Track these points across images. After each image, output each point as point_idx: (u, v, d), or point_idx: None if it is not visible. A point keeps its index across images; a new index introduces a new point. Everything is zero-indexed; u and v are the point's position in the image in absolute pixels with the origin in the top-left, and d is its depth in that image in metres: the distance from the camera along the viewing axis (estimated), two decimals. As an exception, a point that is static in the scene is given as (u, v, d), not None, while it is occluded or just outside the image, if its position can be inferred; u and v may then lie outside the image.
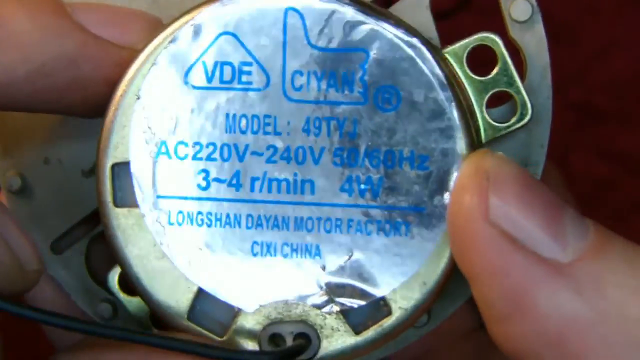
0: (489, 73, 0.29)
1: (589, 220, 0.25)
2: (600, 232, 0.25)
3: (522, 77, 0.30)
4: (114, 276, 0.30)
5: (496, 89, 0.29)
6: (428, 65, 0.27)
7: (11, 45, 0.27)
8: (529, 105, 0.29)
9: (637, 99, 0.46)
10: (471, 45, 0.29)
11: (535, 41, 0.30)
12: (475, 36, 0.29)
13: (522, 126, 0.29)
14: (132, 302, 0.31)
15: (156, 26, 0.29)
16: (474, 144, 0.27)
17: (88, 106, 0.29)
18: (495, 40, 0.29)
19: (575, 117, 0.31)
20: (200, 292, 0.28)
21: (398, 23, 0.27)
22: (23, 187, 0.32)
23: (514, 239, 0.25)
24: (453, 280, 0.28)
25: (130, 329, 0.29)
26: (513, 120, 0.29)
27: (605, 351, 0.24)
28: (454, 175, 0.27)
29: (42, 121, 0.32)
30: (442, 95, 0.27)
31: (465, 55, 0.28)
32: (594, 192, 0.26)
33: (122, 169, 0.28)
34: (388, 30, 0.27)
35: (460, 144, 0.27)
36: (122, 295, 0.30)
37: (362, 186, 0.27)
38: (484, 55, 0.29)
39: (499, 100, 0.30)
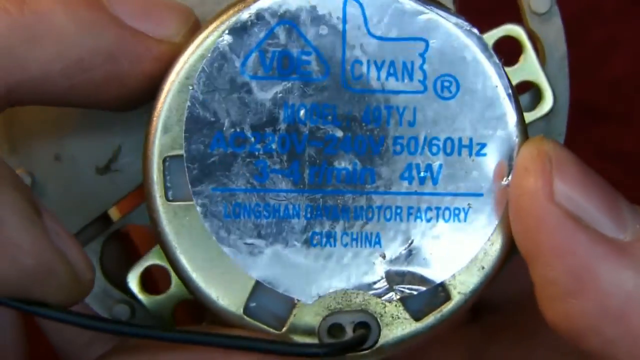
0: (511, 64, 0.30)
1: (638, 206, 0.27)
2: None
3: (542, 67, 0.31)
4: (133, 277, 0.29)
5: (521, 79, 0.30)
6: (486, 54, 0.27)
7: (47, 40, 0.26)
8: (551, 94, 0.30)
9: (637, 99, 0.48)
10: (498, 37, 0.30)
11: (554, 32, 0.31)
12: (501, 27, 0.30)
13: (545, 115, 0.30)
14: (153, 303, 0.30)
15: (189, 17, 0.28)
16: (526, 131, 0.28)
17: (125, 101, 0.28)
18: (519, 31, 0.30)
19: (575, 117, 0.32)
20: (258, 285, 0.27)
21: (455, 13, 0.27)
22: (32, 185, 0.30)
23: (578, 219, 0.26)
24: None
25: (187, 329, 0.28)
26: (537, 109, 0.30)
27: None
28: (511, 161, 0.27)
29: (53, 115, 0.31)
30: (498, 84, 0.27)
31: (491, 46, 0.29)
32: None
33: (173, 162, 0.27)
34: (446, 20, 0.27)
35: (515, 131, 0.27)
36: (142, 297, 0.30)
37: (422, 174, 0.27)
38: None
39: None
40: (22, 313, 0.30)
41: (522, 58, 0.30)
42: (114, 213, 0.33)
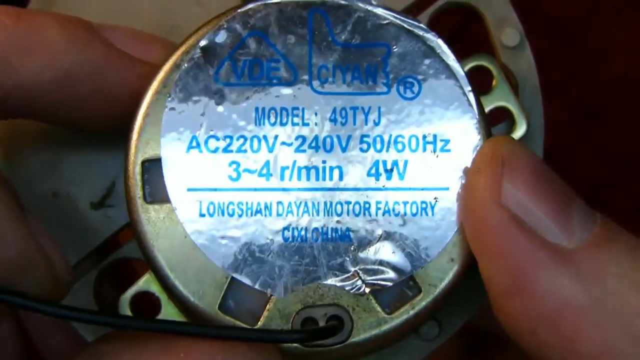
0: (484, 92, 0.31)
1: (598, 214, 0.27)
2: (608, 225, 0.27)
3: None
4: (125, 303, 0.30)
5: (494, 105, 0.31)
6: (445, 56, 0.29)
7: (39, 51, 0.28)
8: (524, 118, 0.31)
9: (637, 100, 0.48)
10: (469, 65, 0.31)
11: (525, 65, 0.33)
12: (471, 57, 0.31)
13: (520, 139, 0.31)
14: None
15: (172, 46, 0.30)
16: (489, 130, 0.29)
17: (109, 119, 0.30)
18: (491, 59, 0.31)
19: (575, 117, 0.32)
20: (233, 281, 0.28)
21: (415, 19, 0.29)
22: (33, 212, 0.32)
23: (522, 222, 0.26)
24: (462, 292, 0.29)
25: (164, 320, 0.29)
26: (512, 135, 0.31)
27: (599, 336, 0.25)
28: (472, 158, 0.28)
29: (50, 155, 0.32)
30: (459, 83, 0.28)
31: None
32: (594, 193, 0.27)
33: (152, 164, 0.29)
34: (407, 26, 0.29)
35: (477, 127, 0.28)
36: (129, 315, 0.30)
37: (389, 170, 0.28)
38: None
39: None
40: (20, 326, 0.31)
41: (494, 85, 0.31)
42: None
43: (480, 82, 0.31)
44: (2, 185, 0.27)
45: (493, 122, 0.32)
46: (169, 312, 0.30)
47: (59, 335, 0.34)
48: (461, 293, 0.29)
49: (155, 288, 0.30)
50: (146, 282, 0.30)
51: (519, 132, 0.31)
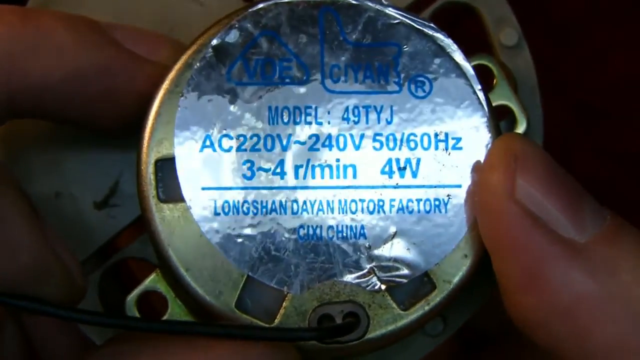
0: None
1: (607, 210, 0.27)
2: (617, 220, 0.27)
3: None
4: (131, 302, 0.30)
5: (495, 104, 0.32)
6: (455, 55, 0.29)
7: (49, 51, 0.28)
8: (524, 116, 0.32)
9: (637, 99, 0.49)
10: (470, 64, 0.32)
11: (523, 64, 0.34)
12: (473, 56, 0.32)
13: None
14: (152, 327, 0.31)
15: (181, 46, 0.30)
16: (499, 127, 0.29)
17: (117, 119, 0.30)
18: (491, 59, 0.32)
19: (575, 117, 0.32)
20: (249, 280, 0.28)
21: (425, 19, 0.29)
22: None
23: (536, 217, 0.26)
24: (466, 288, 0.29)
25: (184, 321, 0.29)
26: (514, 130, 0.32)
27: (612, 328, 0.26)
28: (484, 154, 0.29)
29: (53, 154, 0.32)
30: (470, 81, 0.29)
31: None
32: (594, 192, 0.28)
33: (165, 164, 0.29)
34: (417, 25, 0.29)
35: (487, 125, 0.29)
36: (150, 319, 0.30)
37: (402, 168, 0.29)
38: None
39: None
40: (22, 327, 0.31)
41: (494, 84, 0.32)
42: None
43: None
44: (18, 192, 0.27)
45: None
46: (176, 311, 0.30)
47: (60, 340, 0.33)
48: (465, 289, 0.30)
49: (162, 287, 0.30)
50: (153, 282, 0.30)
51: (519, 130, 0.32)
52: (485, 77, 0.32)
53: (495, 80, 0.32)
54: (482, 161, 0.29)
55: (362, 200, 0.28)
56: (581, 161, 0.28)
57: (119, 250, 0.33)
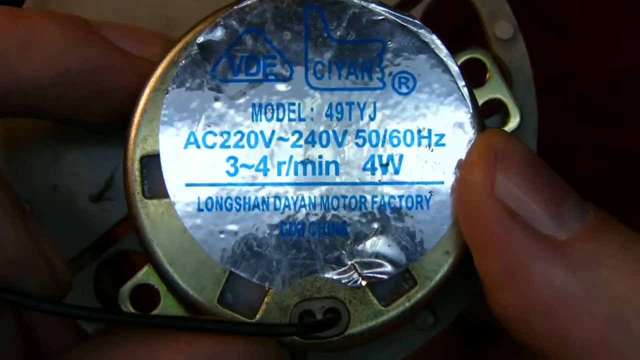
0: (478, 85, 0.32)
1: (591, 205, 0.27)
2: (601, 216, 0.27)
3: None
4: (124, 295, 0.31)
5: (488, 97, 0.31)
6: (439, 51, 0.29)
7: (39, 51, 0.29)
8: (517, 110, 0.31)
9: (637, 99, 0.48)
10: (463, 58, 0.31)
11: (518, 57, 0.33)
12: (466, 50, 0.31)
13: (514, 131, 0.32)
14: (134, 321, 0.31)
15: (170, 42, 0.30)
16: (484, 124, 0.29)
17: (108, 116, 0.30)
18: (485, 52, 0.32)
19: (575, 116, 0.32)
20: (231, 275, 0.29)
21: (409, 15, 0.29)
22: (31, 213, 0.32)
23: (515, 214, 0.26)
24: (457, 283, 0.29)
25: (165, 315, 0.29)
26: (506, 126, 0.31)
27: (591, 325, 0.26)
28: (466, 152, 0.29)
29: (50, 148, 0.33)
30: (453, 77, 0.29)
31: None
32: (594, 192, 0.28)
33: (150, 160, 0.29)
34: (401, 22, 0.29)
35: (471, 122, 0.29)
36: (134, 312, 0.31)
37: (384, 164, 0.29)
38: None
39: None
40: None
41: (487, 77, 0.32)
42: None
43: (474, 75, 0.31)
44: (3, 187, 0.27)
45: (487, 114, 0.32)
46: (168, 303, 0.30)
47: (59, 331, 0.34)
48: (456, 283, 0.29)
49: (155, 280, 0.30)
50: (145, 275, 0.30)
51: (512, 124, 0.32)
52: (479, 70, 0.32)
53: (488, 74, 0.32)
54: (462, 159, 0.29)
55: (344, 197, 0.29)
56: (581, 161, 0.27)
57: (115, 242, 0.34)
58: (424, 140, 0.29)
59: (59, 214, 0.33)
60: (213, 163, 0.29)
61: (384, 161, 0.29)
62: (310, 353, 0.32)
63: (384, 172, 0.29)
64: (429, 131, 0.29)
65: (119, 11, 0.33)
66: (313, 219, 0.29)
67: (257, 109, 0.29)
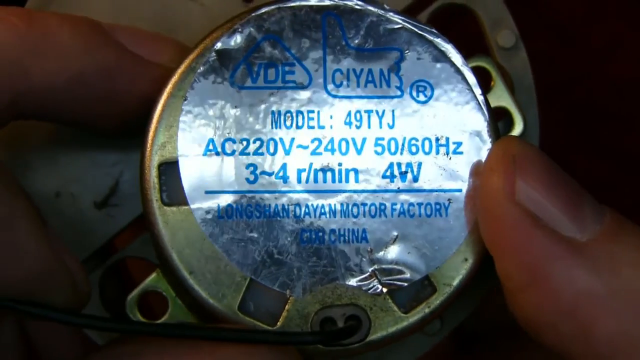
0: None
1: (606, 207, 0.28)
2: (616, 217, 0.28)
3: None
4: (132, 302, 0.30)
5: (493, 105, 0.32)
6: (456, 59, 0.29)
7: (54, 54, 0.28)
8: (521, 118, 0.32)
9: (637, 100, 0.49)
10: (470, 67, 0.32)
11: (520, 65, 0.34)
12: (471, 58, 0.32)
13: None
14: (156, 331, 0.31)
15: (184, 48, 0.30)
16: (499, 131, 0.30)
17: (120, 121, 0.30)
18: (489, 60, 0.32)
19: (576, 117, 0.33)
20: (252, 283, 0.28)
21: (427, 24, 0.30)
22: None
23: (536, 218, 0.27)
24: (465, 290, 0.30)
25: (187, 324, 0.29)
26: (510, 133, 0.32)
27: (615, 322, 0.26)
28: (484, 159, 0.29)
29: (54, 154, 0.32)
30: (470, 86, 0.29)
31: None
32: (594, 192, 0.28)
33: (168, 167, 0.29)
34: (418, 30, 0.29)
35: (487, 130, 0.29)
36: (142, 320, 0.31)
37: (403, 172, 0.29)
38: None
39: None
40: (24, 334, 0.31)
41: (492, 85, 0.32)
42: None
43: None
44: (25, 199, 0.27)
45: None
46: (176, 310, 0.30)
47: (62, 341, 0.33)
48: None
49: (163, 287, 0.30)
50: (153, 281, 0.30)
51: (516, 131, 0.32)
52: (482, 78, 0.32)
53: (492, 82, 0.32)
54: (480, 165, 0.29)
55: (364, 204, 0.29)
56: (581, 161, 0.28)
57: (120, 249, 0.33)
58: (442, 149, 0.29)
59: (63, 221, 0.32)
60: (233, 170, 0.29)
61: (403, 169, 0.29)
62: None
63: (403, 179, 0.29)
64: (447, 139, 0.29)
65: (122, 15, 0.33)
66: (333, 226, 0.29)
67: (276, 116, 0.29)
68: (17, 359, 0.30)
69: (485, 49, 0.34)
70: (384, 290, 0.29)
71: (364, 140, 0.29)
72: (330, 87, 0.29)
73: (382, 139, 0.29)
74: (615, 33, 0.50)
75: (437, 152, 0.29)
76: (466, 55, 0.31)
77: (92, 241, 0.32)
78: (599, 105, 0.49)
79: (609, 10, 0.50)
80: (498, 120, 0.33)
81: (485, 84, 0.32)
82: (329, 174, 0.29)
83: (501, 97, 0.32)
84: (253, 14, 0.29)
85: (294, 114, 0.29)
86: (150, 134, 0.29)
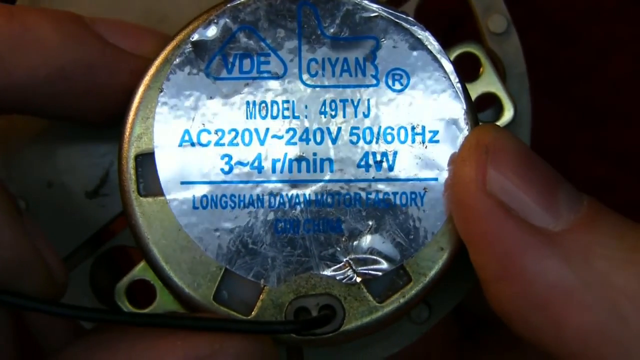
0: (471, 79, 0.32)
1: (585, 196, 0.27)
2: (595, 206, 0.27)
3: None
4: (120, 291, 0.31)
5: (482, 91, 0.31)
6: (433, 48, 0.29)
7: (34, 49, 0.29)
8: (511, 104, 0.31)
9: (637, 99, 0.48)
10: (457, 53, 0.32)
11: (512, 51, 0.33)
12: (460, 44, 0.31)
13: (507, 125, 0.32)
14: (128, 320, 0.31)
15: (164, 39, 0.30)
16: (477, 120, 0.29)
17: (102, 114, 0.30)
18: (478, 46, 0.32)
19: (575, 117, 0.32)
20: (227, 273, 0.29)
21: (403, 12, 0.29)
22: (27, 209, 0.33)
23: (508, 208, 0.26)
24: (452, 276, 0.30)
25: (160, 314, 0.29)
26: (500, 120, 0.32)
27: (587, 315, 0.26)
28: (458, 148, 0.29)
29: (45, 144, 0.33)
30: (447, 73, 0.29)
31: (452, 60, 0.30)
32: (594, 192, 0.28)
33: (145, 158, 0.29)
34: (395, 19, 0.29)
35: (464, 118, 0.29)
36: (130, 308, 0.31)
37: (378, 161, 0.29)
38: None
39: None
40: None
41: (481, 72, 0.32)
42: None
43: (467, 69, 0.31)
44: (0, 189, 0.27)
45: (480, 109, 0.32)
46: (164, 299, 0.31)
47: (57, 328, 0.34)
48: (451, 277, 0.30)
49: (150, 276, 0.31)
50: (141, 270, 0.31)
51: (506, 118, 0.32)
52: (472, 64, 0.32)
53: (482, 68, 0.32)
54: (455, 154, 0.29)
55: (338, 194, 0.29)
56: (581, 161, 0.27)
57: (111, 237, 0.34)
58: (417, 137, 0.29)
59: (54, 210, 0.33)
60: (208, 161, 0.29)
61: (378, 158, 0.29)
62: (306, 348, 0.33)
63: (378, 169, 0.29)
64: (423, 128, 0.29)
65: (113, 6, 0.33)
66: (308, 216, 0.29)
67: (251, 106, 0.29)
68: (10, 343, 0.31)
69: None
70: (359, 279, 0.29)
71: (339, 129, 0.29)
72: (305, 76, 0.29)
73: (357, 128, 0.29)
74: (614, 32, 0.49)
75: (413, 141, 0.29)
76: (455, 42, 0.31)
77: (83, 230, 0.33)
78: (598, 105, 0.48)
79: (608, 9, 0.49)
80: (488, 107, 0.32)
81: (475, 70, 0.32)
82: (303, 164, 0.29)
83: (490, 83, 0.32)
84: (229, 5, 0.29)
85: (269, 104, 0.29)
86: (128, 125, 0.29)
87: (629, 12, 0.48)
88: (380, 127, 0.29)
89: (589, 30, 0.48)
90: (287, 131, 0.29)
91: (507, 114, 0.32)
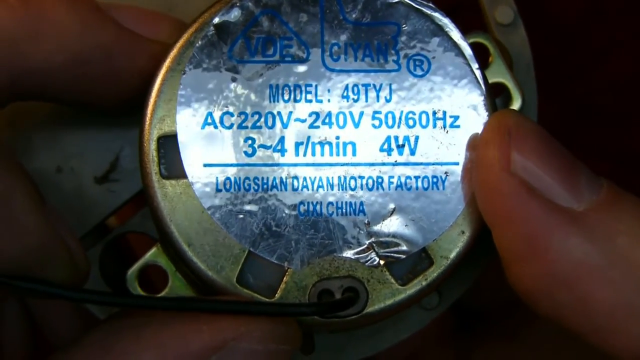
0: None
1: (603, 178, 0.28)
2: (614, 188, 0.28)
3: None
4: (132, 276, 0.31)
5: (491, 80, 0.32)
6: (454, 34, 0.29)
7: (51, 34, 0.28)
8: (519, 93, 0.32)
9: (637, 99, 0.49)
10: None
11: (519, 41, 0.34)
12: (470, 34, 0.32)
13: None
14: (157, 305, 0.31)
15: (181, 24, 0.30)
16: (495, 105, 0.30)
17: (119, 99, 0.30)
18: (487, 37, 0.32)
19: (575, 117, 0.33)
20: (250, 255, 0.29)
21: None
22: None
23: (532, 188, 0.27)
24: (462, 263, 0.30)
25: (185, 297, 0.29)
26: (509, 107, 0.32)
27: (612, 291, 0.26)
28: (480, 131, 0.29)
29: (55, 130, 0.33)
30: (467, 59, 0.29)
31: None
32: None
33: (167, 140, 0.29)
34: (415, 5, 0.29)
35: (484, 103, 0.29)
36: (142, 294, 0.31)
37: (400, 145, 0.29)
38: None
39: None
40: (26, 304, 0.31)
41: (490, 61, 0.32)
42: (113, 221, 0.35)
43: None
44: (23, 176, 0.27)
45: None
46: (176, 284, 0.31)
47: (63, 317, 0.34)
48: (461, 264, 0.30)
49: (163, 261, 0.30)
50: (153, 255, 0.31)
51: (514, 106, 0.32)
52: (481, 54, 0.32)
53: (491, 58, 0.32)
54: (476, 138, 0.29)
55: (361, 177, 0.29)
56: (581, 161, 0.28)
57: (120, 224, 0.34)
58: (439, 122, 0.29)
59: (63, 196, 0.32)
60: (231, 143, 0.29)
61: (400, 142, 0.29)
62: (317, 334, 0.33)
63: (400, 153, 0.29)
64: (444, 113, 0.29)
65: (122, -8, 0.33)
66: (331, 199, 0.29)
67: (274, 90, 0.29)
68: (19, 333, 0.31)
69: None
70: (381, 262, 0.29)
71: (361, 113, 0.29)
72: (327, 61, 0.29)
73: (379, 112, 0.29)
74: (614, 32, 0.50)
75: (434, 126, 0.29)
76: (464, 32, 0.31)
77: (92, 216, 0.33)
78: (598, 105, 0.49)
79: (608, 9, 0.50)
80: (496, 96, 0.33)
81: (484, 60, 0.32)
82: (326, 147, 0.29)
83: (499, 73, 0.32)
84: None
85: (292, 88, 0.29)
86: (150, 107, 0.29)
87: (629, 12, 0.49)
88: (402, 112, 0.29)
89: (589, 31, 0.49)
90: (310, 115, 0.29)
91: (516, 104, 0.32)
